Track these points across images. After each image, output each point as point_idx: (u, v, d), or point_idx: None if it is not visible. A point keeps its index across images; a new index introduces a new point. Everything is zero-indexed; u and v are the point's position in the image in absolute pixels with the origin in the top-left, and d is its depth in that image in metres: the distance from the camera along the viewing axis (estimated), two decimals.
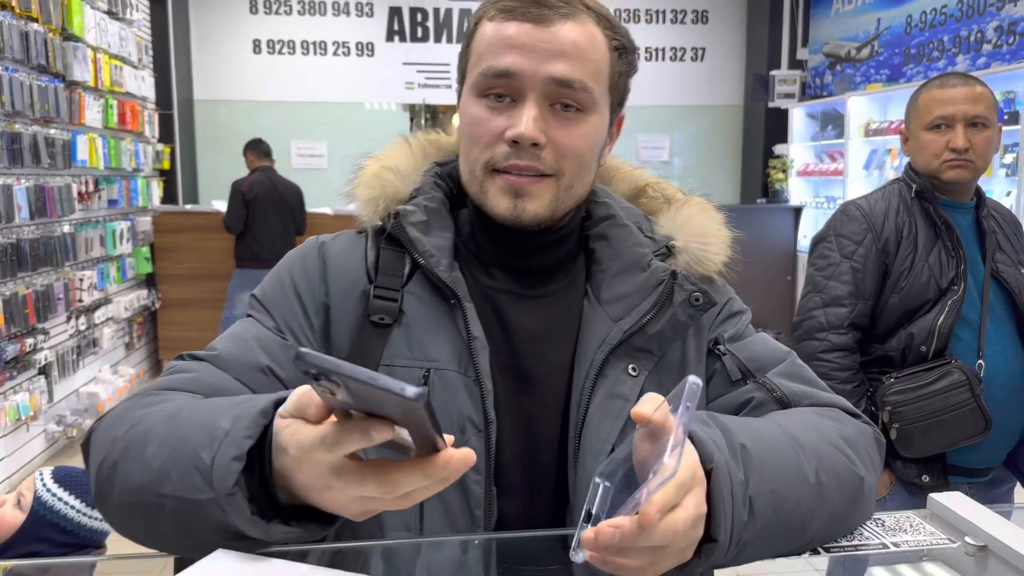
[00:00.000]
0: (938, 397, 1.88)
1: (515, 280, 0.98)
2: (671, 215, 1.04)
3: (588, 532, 0.62)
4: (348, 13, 7.80)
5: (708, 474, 0.71)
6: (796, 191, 7.39)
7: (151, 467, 0.73)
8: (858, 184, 6.40)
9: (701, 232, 1.01)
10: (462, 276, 0.96)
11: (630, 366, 0.93)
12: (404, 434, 0.61)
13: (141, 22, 6.12)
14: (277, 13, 7.73)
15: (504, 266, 0.99)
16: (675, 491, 0.64)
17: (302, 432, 0.65)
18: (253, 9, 7.70)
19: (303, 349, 0.56)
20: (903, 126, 2.13)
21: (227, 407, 0.75)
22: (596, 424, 0.90)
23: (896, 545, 0.81)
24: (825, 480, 0.80)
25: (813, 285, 2.08)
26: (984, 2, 5.53)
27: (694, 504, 0.66)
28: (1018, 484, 2.09)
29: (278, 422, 0.69)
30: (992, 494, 2.04)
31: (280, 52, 7.76)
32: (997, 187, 4.82)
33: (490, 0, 0.94)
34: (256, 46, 7.73)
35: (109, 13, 5.29)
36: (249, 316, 0.99)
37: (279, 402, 0.71)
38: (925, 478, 1.95)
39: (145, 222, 6.05)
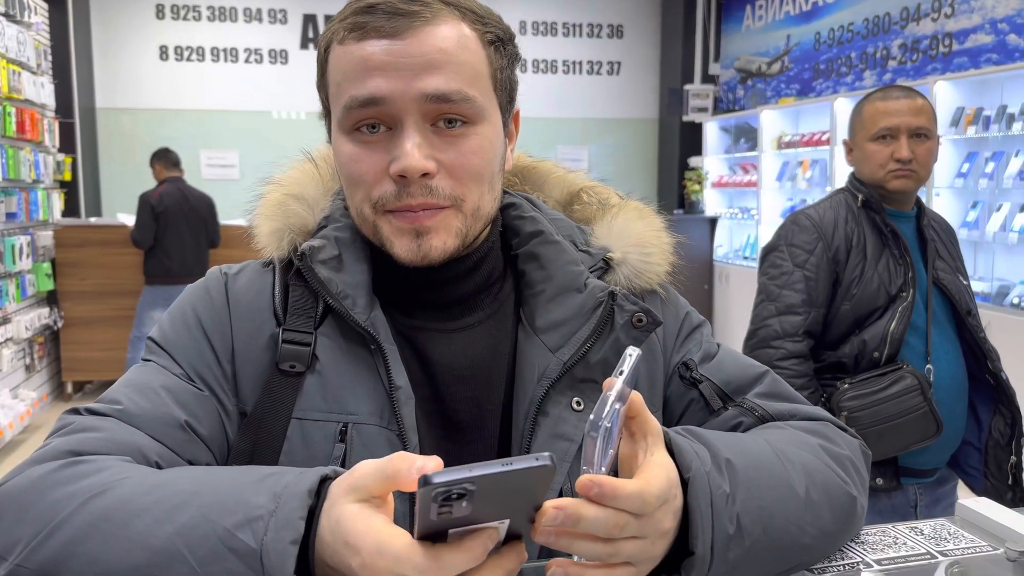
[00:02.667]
0: (892, 402, 1.93)
1: (434, 315, 0.89)
2: (607, 223, 0.96)
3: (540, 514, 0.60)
4: (260, 20, 7.59)
5: (686, 484, 0.69)
6: (711, 202, 7.59)
7: (148, 546, 0.64)
8: (771, 194, 6.61)
9: (641, 241, 0.94)
10: (382, 314, 0.86)
11: (574, 400, 0.85)
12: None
13: (40, 26, 5.79)
14: (185, 19, 7.46)
15: (420, 301, 0.89)
16: (635, 495, 0.62)
17: (389, 545, 0.58)
18: (160, 14, 7.40)
19: (430, 475, 0.52)
20: (847, 137, 2.19)
21: (246, 480, 0.67)
22: None
23: (943, 554, 0.80)
24: (816, 497, 0.78)
25: (767, 294, 2.11)
26: (889, 20, 5.80)
27: (654, 527, 0.64)
28: (960, 482, 2.16)
29: (345, 509, 0.61)
30: (938, 492, 2.10)
31: (188, 59, 7.48)
32: None
33: (337, 18, 0.83)
34: (163, 52, 7.43)
35: (6, 15, 4.98)
36: (148, 361, 0.87)
37: (324, 478, 0.65)
38: (879, 480, 1.99)
39: (46, 236, 5.70)
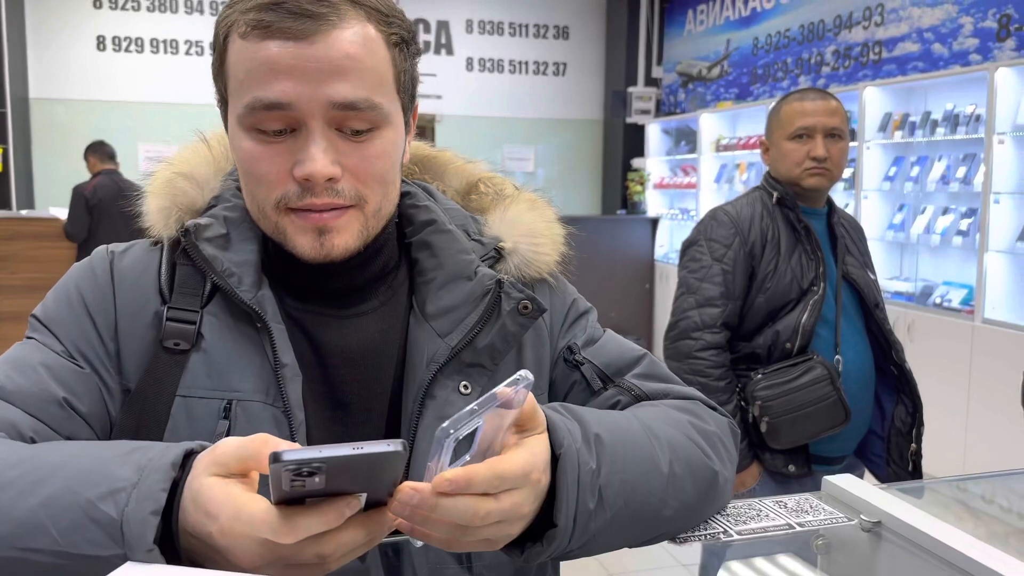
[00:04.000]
0: (803, 391, 1.99)
1: (327, 302, 0.89)
2: (500, 214, 0.98)
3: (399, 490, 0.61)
4: (202, 11, 7.48)
5: (557, 459, 0.71)
6: (653, 203, 7.69)
7: (11, 517, 0.64)
8: (710, 196, 6.72)
9: (531, 231, 0.96)
10: (271, 293, 0.86)
11: (462, 384, 0.87)
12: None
13: None
14: (124, 9, 7.31)
15: (314, 289, 0.89)
16: (488, 477, 0.62)
17: (246, 509, 0.59)
18: (97, 4, 7.25)
19: (281, 451, 0.54)
20: (764, 137, 2.25)
21: (112, 454, 0.67)
22: (425, 449, 0.83)
23: (800, 525, 0.84)
24: (679, 471, 0.80)
25: (687, 287, 2.16)
26: (823, 27, 5.96)
27: (511, 503, 0.64)
28: (867, 471, 2.24)
29: (204, 481, 0.62)
30: None
31: (127, 50, 7.34)
32: (836, 199, 5.18)
33: (238, 7, 0.80)
34: (100, 43, 7.28)
35: None
36: (30, 339, 0.86)
37: (190, 452, 0.66)
38: (791, 467, 2.06)
39: None
